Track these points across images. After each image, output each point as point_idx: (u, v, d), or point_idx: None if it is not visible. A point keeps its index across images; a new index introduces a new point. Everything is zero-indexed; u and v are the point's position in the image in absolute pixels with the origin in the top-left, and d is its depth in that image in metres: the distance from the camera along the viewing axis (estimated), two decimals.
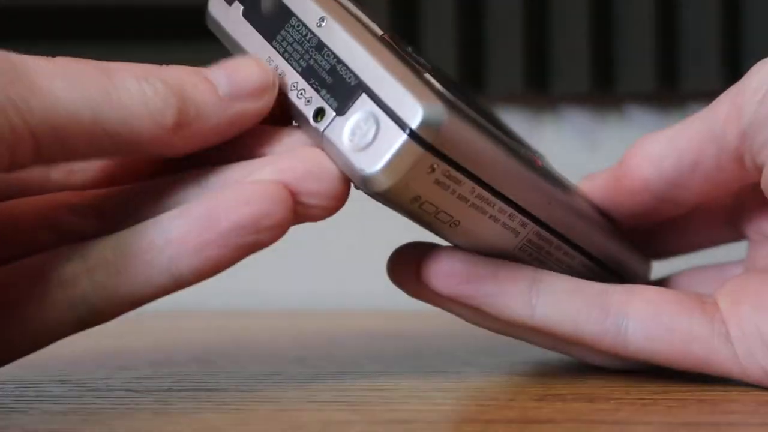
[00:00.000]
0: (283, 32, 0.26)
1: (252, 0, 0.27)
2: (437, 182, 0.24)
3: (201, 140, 0.25)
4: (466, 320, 0.28)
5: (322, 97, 0.25)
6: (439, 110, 0.24)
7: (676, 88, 0.60)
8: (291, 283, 0.66)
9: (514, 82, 0.63)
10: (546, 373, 0.31)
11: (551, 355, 0.34)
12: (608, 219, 0.31)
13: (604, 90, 0.62)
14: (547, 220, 0.27)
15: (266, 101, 0.25)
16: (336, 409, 0.25)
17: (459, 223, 0.26)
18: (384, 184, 0.24)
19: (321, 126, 0.25)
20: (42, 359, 0.35)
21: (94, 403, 0.26)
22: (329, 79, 0.25)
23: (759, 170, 0.27)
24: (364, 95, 0.24)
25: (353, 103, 0.25)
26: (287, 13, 0.26)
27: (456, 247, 0.27)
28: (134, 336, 0.41)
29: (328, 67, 0.25)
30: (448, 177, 0.24)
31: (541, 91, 0.64)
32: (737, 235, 0.31)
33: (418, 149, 0.24)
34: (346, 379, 0.30)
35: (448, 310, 0.28)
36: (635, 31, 0.61)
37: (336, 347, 0.38)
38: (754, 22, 0.57)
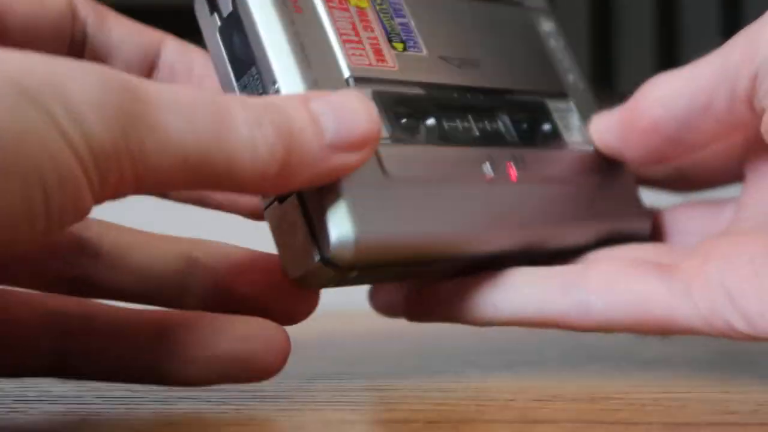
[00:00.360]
0: (246, 77, 0.26)
1: (227, 22, 0.26)
2: (358, 277, 0.26)
3: (295, 185, 0.24)
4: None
5: None
6: (350, 239, 0.24)
7: None
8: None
9: None
10: (546, 373, 0.31)
11: (551, 355, 0.34)
12: (608, 167, 0.31)
13: (604, 89, 0.62)
14: (501, 249, 0.28)
15: (368, 153, 0.24)
16: (336, 409, 0.25)
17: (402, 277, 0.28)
18: (302, 285, 0.26)
19: (263, 202, 0.26)
20: None
21: (94, 403, 0.26)
22: None
23: (760, 115, 0.27)
24: (294, 197, 0.25)
25: (287, 199, 0.25)
26: (251, 61, 0.26)
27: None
28: None
29: None
30: (369, 271, 0.26)
31: None
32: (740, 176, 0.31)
33: (329, 271, 0.25)
34: (346, 379, 0.30)
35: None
36: (635, 31, 0.61)
37: (336, 347, 0.38)
38: None
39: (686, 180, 0.33)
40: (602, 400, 0.26)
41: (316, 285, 0.26)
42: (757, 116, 0.27)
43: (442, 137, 0.28)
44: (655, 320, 0.27)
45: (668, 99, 0.29)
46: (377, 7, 0.28)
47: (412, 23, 0.29)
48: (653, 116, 0.29)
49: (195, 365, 0.25)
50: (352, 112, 0.24)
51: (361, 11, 0.27)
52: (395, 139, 0.26)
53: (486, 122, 0.29)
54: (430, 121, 0.28)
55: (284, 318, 0.26)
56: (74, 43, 0.28)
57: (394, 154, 0.26)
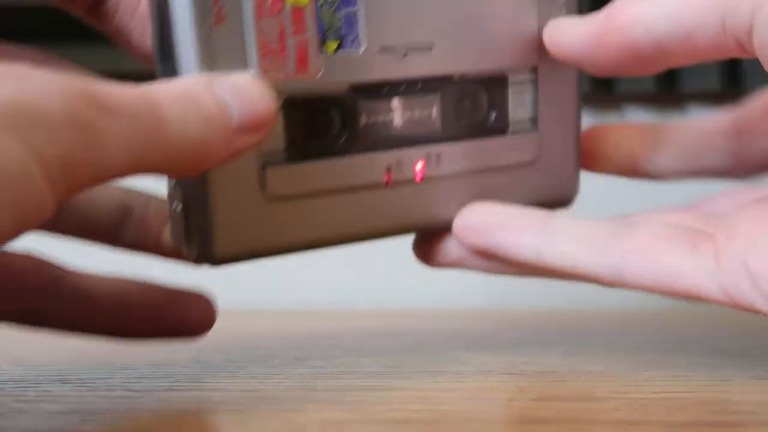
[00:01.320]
0: (165, 62, 0.27)
1: (158, 4, 0.27)
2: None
3: (205, 169, 0.25)
4: (483, 270, 0.32)
5: None
6: (210, 253, 0.28)
7: (676, 89, 0.60)
8: (291, 284, 0.66)
9: None
10: (546, 373, 0.31)
11: (551, 355, 0.34)
12: (549, 146, 0.32)
13: (605, 91, 0.62)
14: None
15: (265, 134, 0.25)
16: (335, 409, 0.25)
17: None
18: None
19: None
20: (42, 359, 0.35)
21: (94, 403, 0.26)
22: None
23: (756, 52, 0.26)
24: (177, 186, 0.28)
25: (175, 183, 0.28)
26: (170, 53, 0.27)
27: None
28: None
29: None
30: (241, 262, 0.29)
31: None
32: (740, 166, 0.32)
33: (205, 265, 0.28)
34: (345, 379, 0.30)
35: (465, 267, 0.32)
36: None
37: (336, 347, 0.38)
38: None
39: (744, 165, 0.33)
40: (602, 400, 0.26)
41: (191, 261, 0.28)
42: (748, 52, 0.27)
43: (347, 146, 0.29)
44: (684, 292, 0.28)
45: (649, 20, 0.28)
46: (319, 1, 0.28)
47: (361, 11, 0.28)
48: (631, 36, 0.28)
49: (145, 327, 0.31)
50: (251, 97, 0.25)
51: (296, 11, 0.27)
52: (289, 157, 0.28)
53: (412, 119, 0.30)
54: (336, 132, 0.29)
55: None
56: None
57: (282, 174, 0.28)
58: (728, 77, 0.56)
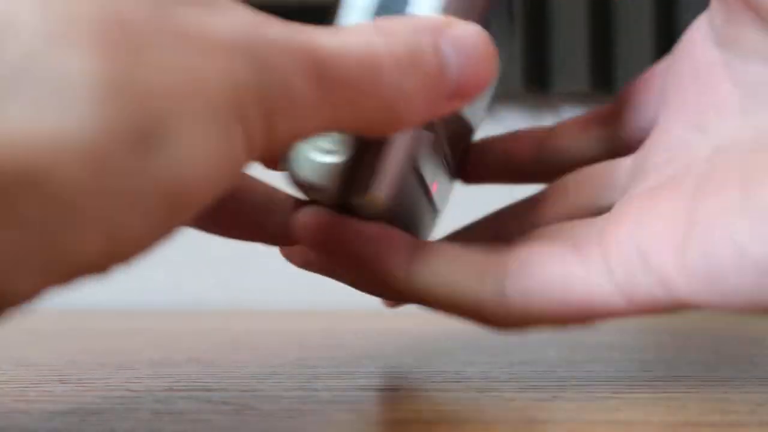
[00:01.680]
0: None
1: None
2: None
3: (406, 126, 0.23)
4: (345, 282, 0.28)
5: None
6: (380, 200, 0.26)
7: (610, 88, 0.60)
8: (291, 284, 0.66)
9: (514, 80, 0.63)
10: (546, 373, 0.31)
11: (551, 355, 0.34)
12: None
13: (604, 89, 0.62)
14: None
15: (475, 98, 0.24)
16: (336, 410, 0.25)
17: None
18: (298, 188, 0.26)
19: None
20: (42, 359, 0.35)
21: (94, 403, 0.26)
22: None
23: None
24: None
25: None
26: None
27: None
28: (134, 336, 0.41)
29: None
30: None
31: (541, 89, 0.64)
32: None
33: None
34: (346, 379, 0.30)
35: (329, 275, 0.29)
36: (634, 32, 0.61)
37: (336, 347, 0.38)
38: None
39: (623, 147, 0.31)
40: (602, 400, 0.26)
41: (310, 195, 0.26)
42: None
43: None
44: (577, 306, 0.25)
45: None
46: None
47: None
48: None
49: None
50: (476, 58, 0.23)
51: None
52: None
53: None
54: None
55: None
56: None
57: None
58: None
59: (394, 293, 0.27)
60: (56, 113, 0.17)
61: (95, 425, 0.24)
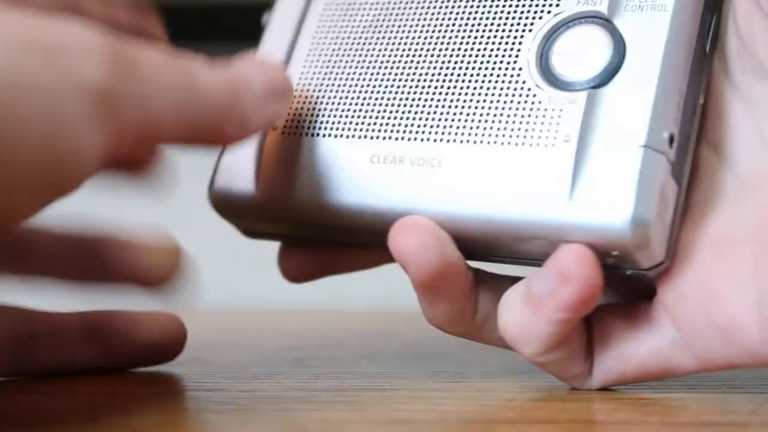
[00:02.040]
0: None
1: None
2: None
3: (249, 133, 0.26)
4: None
5: None
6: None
7: None
8: (291, 284, 0.66)
9: None
10: (546, 372, 0.31)
11: None
12: None
13: None
14: None
15: (288, 102, 0.27)
16: (335, 409, 0.25)
17: None
18: None
19: None
20: None
21: (96, 403, 0.26)
22: None
23: None
24: None
25: None
26: None
27: None
28: None
29: None
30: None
31: None
32: None
33: None
34: (345, 379, 0.30)
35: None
36: None
37: (336, 347, 0.38)
38: None
39: None
40: (602, 400, 0.26)
41: None
42: None
43: None
44: (654, 375, 0.27)
45: None
46: None
47: None
48: None
49: (120, 354, 0.30)
50: (270, 69, 0.27)
51: None
52: None
53: None
54: None
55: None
56: None
57: None
58: None
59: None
60: None
61: (96, 425, 0.24)
